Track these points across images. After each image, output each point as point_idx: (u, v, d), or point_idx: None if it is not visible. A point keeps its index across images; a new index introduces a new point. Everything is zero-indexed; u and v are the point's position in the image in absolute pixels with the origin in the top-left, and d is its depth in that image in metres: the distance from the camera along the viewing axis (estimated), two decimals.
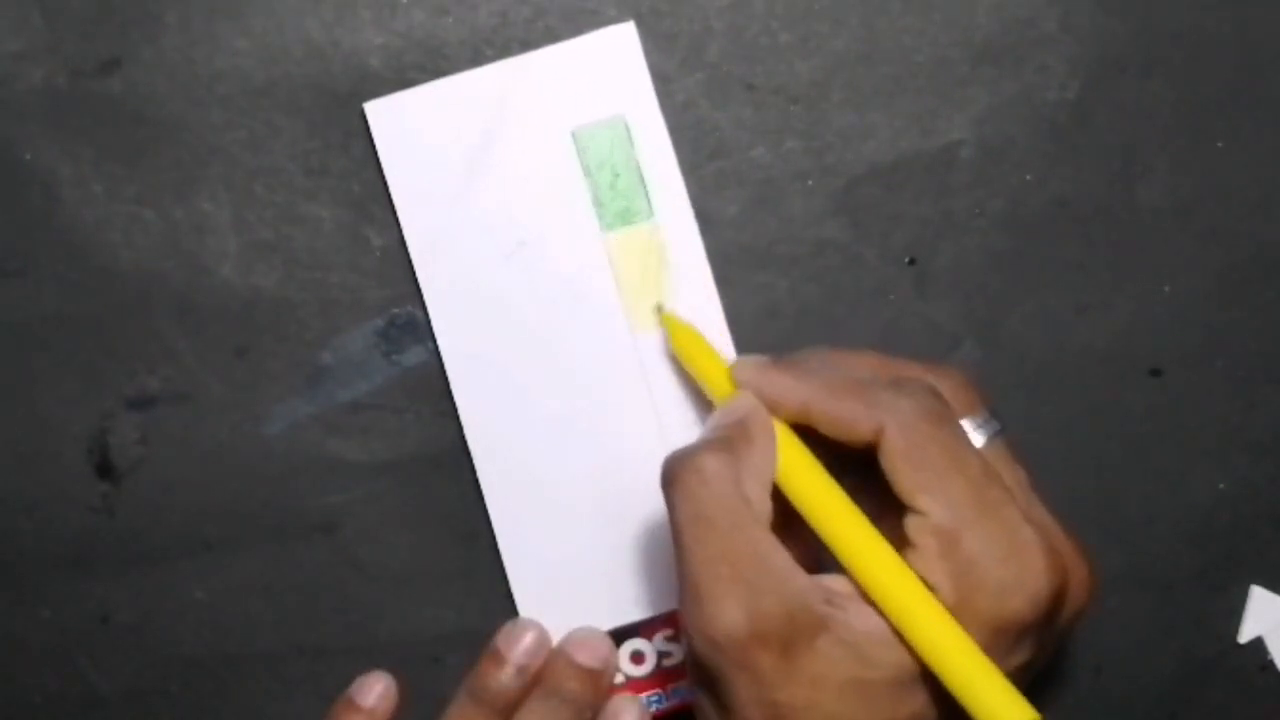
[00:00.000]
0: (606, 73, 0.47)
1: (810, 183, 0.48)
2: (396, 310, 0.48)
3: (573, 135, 0.47)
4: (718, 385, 0.44)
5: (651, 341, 0.47)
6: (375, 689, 0.46)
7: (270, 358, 0.48)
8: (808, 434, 0.41)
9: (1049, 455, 0.49)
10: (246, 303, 0.48)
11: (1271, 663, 0.49)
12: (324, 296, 0.48)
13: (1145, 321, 0.48)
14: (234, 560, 0.49)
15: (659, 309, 0.47)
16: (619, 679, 0.48)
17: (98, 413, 0.48)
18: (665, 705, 0.48)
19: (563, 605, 0.47)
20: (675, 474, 0.39)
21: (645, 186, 0.47)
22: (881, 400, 0.39)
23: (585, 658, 0.45)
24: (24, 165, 0.48)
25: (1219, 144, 0.48)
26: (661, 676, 0.48)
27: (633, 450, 0.47)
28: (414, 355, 0.48)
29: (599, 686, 0.45)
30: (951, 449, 0.38)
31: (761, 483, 0.39)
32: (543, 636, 0.46)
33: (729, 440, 0.40)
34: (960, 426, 0.40)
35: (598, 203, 0.47)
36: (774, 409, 0.41)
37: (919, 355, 0.45)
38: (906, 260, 0.48)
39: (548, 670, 0.45)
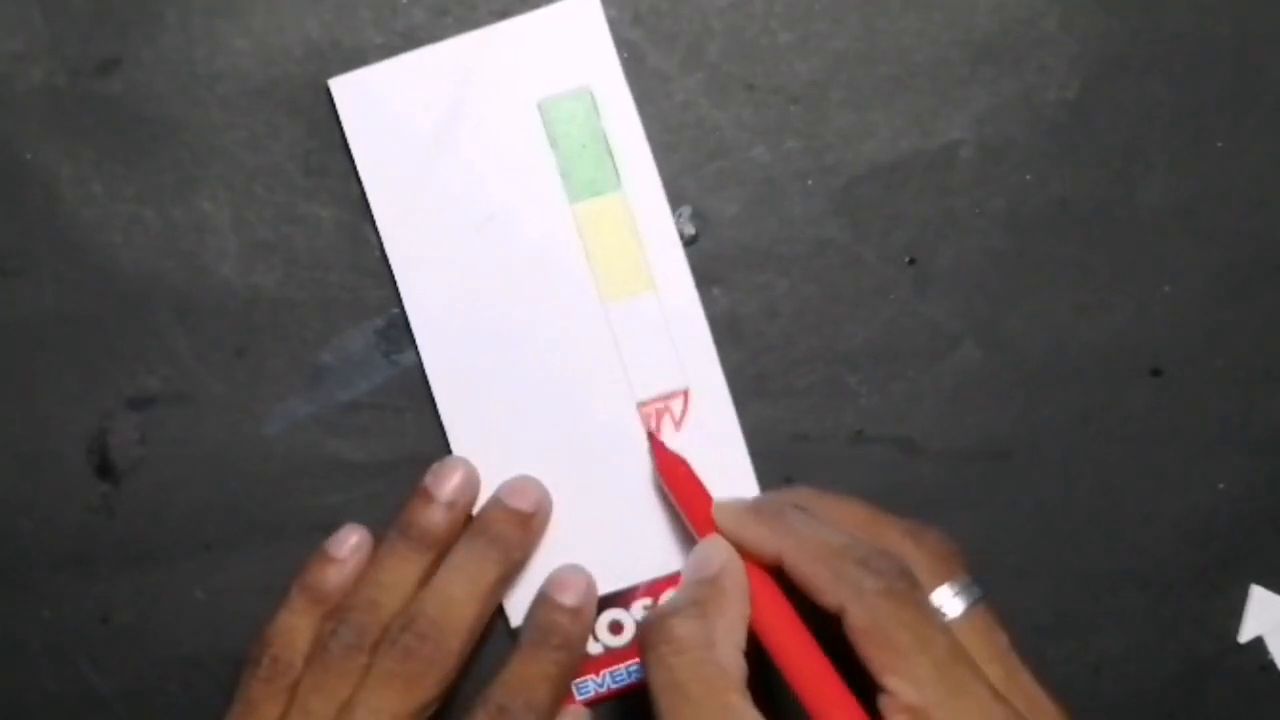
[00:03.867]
0: (571, 44, 0.47)
1: (810, 183, 0.48)
2: (396, 310, 0.48)
3: (539, 107, 0.47)
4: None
5: (621, 311, 0.47)
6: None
7: (270, 358, 0.48)
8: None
9: (1049, 455, 0.49)
10: (246, 303, 0.48)
11: (1271, 662, 0.49)
12: (324, 296, 0.48)
13: (1145, 321, 0.48)
14: (234, 560, 0.49)
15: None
16: (597, 649, 0.48)
17: (98, 413, 0.48)
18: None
19: (543, 577, 0.48)
20: (650, 641, 0.40)
21: (613, 157, 0.47)
22: (848, 575, 0.39)
23: (517, 501, 0.46)
24: (24, 165, 0.48)
25: (1219, 144, 0.48)
26: None
27: (606, 419, 0.48)
28: (414, 355, 0.48)
29: (529, 528, 0.47)
30: (915, 628, 0.38)
31: (735, 643, 0.40)
32: (470, 474, 0.47)
33: (702, 602, 0.40)
34: (928, 605, 0.40)
35: (565, 174, 0.47)
36: (750, 555, 0.42)
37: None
38: (906, 260, 0.48)
39: (479, 514, 0.47)
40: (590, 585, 0.47)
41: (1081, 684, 0.49)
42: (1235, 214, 0.48)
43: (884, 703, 0.37)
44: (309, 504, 0.48)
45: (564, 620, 0.46)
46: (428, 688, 0.44)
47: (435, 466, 0.47)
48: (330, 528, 0.47)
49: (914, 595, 0.39)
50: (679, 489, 0.46)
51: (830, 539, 0.41)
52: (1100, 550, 0.49)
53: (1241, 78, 0.48)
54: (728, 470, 0.48)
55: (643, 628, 0.41)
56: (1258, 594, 0.49)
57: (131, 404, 0.48)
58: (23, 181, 0.48)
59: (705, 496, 0.45)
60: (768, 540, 0.41)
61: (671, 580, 0.48)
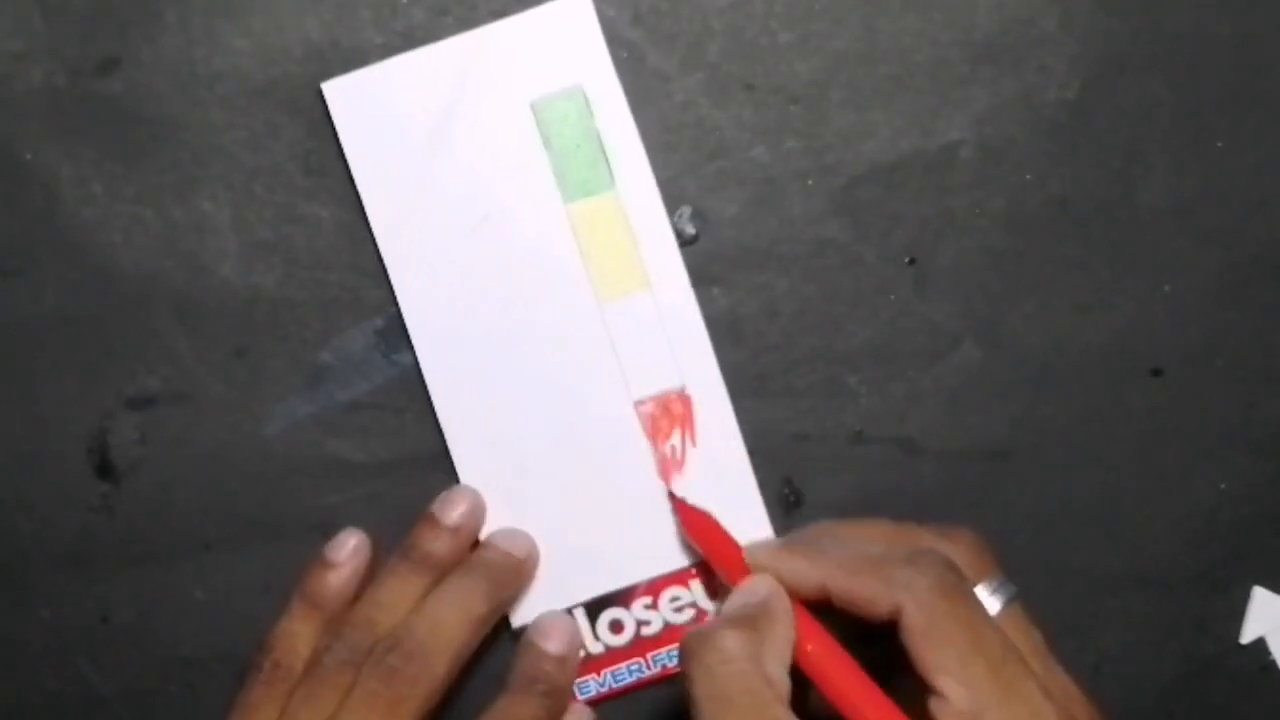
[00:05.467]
0: (564, 44, 0.47)
1: (810, 183, 0.48)
2: (395, 310, 0.48)
3: (532, 107, 0.47)
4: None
5: (617, 310, 0.47)
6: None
7: (270, 358, 0.48)
8: (825, 609, 0.41)
9: (1049, 455, 0.49)
10: (246, 303, 0.48)
11: (1273, 663, 0.49)
12: (324, 296, 0.48)
13: (1145, 321, 0.48)
14: (234, 560, 0.49)
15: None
16: (598, 649, 0.48)
17: (98, 413, 0.48)
18: (646, 674, 0.48)
19: (540, 577, 0.48)
20: (695, 651, 0.39)
21: (606, 157, 0.47)
22: (898, 578, 0.39)
23: (510, 546, 0.47)
24: (24, 165, 0.48)
25: (1219, 144, 0.48)
26: (641, 645, 0.48)
27: (604, 419, 0.48)
28: (413, 355, 0.48)
29: (520, 572, 0.47)
30: (970, 625, 0.38)
31: (782, 661, 0.40)
32: (477, 504, 0.47)
33: (751, 618, 0.40)
34: (977, 600, 0.40)
35: (559, 174, 0.47)
36: (790, 591, 0.42)
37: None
38: (906, 260, 0.48)
39: (474, 553, 0.47)
40: (575, 632, 0.47)
41: (1081, 684, 0.49)
42: (1235, 214, 0.48)
43: (937, 707, 0.38)
44: (308, 504, 0.48)
45: (550, 668, 0.46)
46: (410, 710, 0.44)
47: (443, 494, 0.47)
48: (329, 528, 0.47)
49: (963, 587, 0.39)
50: (708, 544, 0.46)
51: (870, 551, 0.41)
52: (1100, 550, 0.49)
53: (1241, 78, 0.48)
54: (727, 470, 0.48)
55: (687, 639, 0.40)
56: (1259, 595, 0.49)
57: (131, 404, 0.48)
58: (23, 181, 0.48)
59: (735, 546, 0.45)
60: (807, 571, 0.41)
61: (672, 577, 0.48)
